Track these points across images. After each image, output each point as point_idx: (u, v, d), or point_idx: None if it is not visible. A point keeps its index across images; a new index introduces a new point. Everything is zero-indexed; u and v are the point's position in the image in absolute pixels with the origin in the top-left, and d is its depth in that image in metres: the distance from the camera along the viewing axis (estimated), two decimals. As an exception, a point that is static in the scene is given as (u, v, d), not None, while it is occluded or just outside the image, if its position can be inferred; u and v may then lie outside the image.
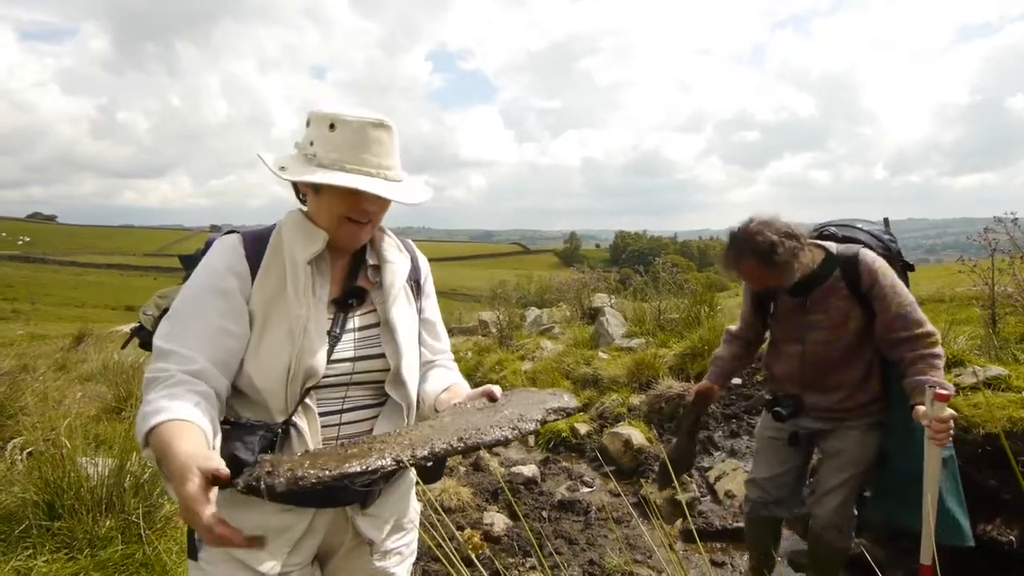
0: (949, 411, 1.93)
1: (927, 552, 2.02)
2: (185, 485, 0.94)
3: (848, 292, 2.22)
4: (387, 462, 1.02)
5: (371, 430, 1.32)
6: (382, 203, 1.32)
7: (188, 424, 1.04)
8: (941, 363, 2.16)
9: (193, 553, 1.28)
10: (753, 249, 2.12)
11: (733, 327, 2.65)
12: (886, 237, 2.44)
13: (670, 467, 2.76)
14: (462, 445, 1.10)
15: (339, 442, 1.16)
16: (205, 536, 0.94)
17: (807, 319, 2.31)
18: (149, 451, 1.07)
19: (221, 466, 0.97)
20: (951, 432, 1.94)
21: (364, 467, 1.00)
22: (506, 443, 1.18)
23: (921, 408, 2.01)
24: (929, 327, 2.19)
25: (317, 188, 1.29)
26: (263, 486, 0.93)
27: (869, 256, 2.22)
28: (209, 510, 0.93)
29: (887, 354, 2.27)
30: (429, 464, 1.08)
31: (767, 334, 2.62)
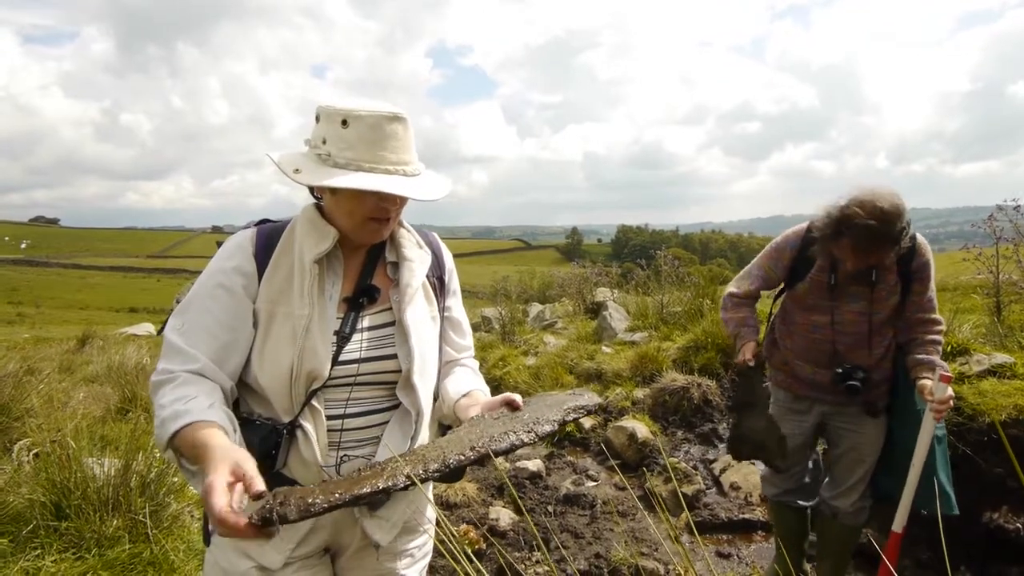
0: (950, 391, 2.07)
1: (901, 520, 2.17)
2: (213, 474, 0.97)
3: (897, 268, 2.24)
4: (399, 480, 1.03)
5: (379, 436, 1.29)
6: (403, 200, 1.28)
7: (212, 425, 1.07)
8: (941, 348, 2.31)
9: (207, 539, 1.30)
10: (894, 239, 2.03)
11: (737, 290, 2.51)
12: None
13: (776, 448, 2.40)
14: (474, 454, 1.09)
15: (355, 471, 1.13)
16: (217, 525, 0.95)
17: (849, 290, 2.27)
18: (170, 453, 1.10)
19: (256, 479, 0.99)
20: (949, 409, 2.12)
21: (374, 487, 1.01)
22: (522, 447, 1.15)
23: (928, 384, 2.14)
24: (939, 315, 2.33)
25: (335, 189, 1.23)
26: (275, 516, 0.95)
27: (922, 238, 2.26)
28: (223, 502, 0.95)
29: (903, 333, 2.33)
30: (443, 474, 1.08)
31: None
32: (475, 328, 10.02)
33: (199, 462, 1.05)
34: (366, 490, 1.00)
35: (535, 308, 10.40)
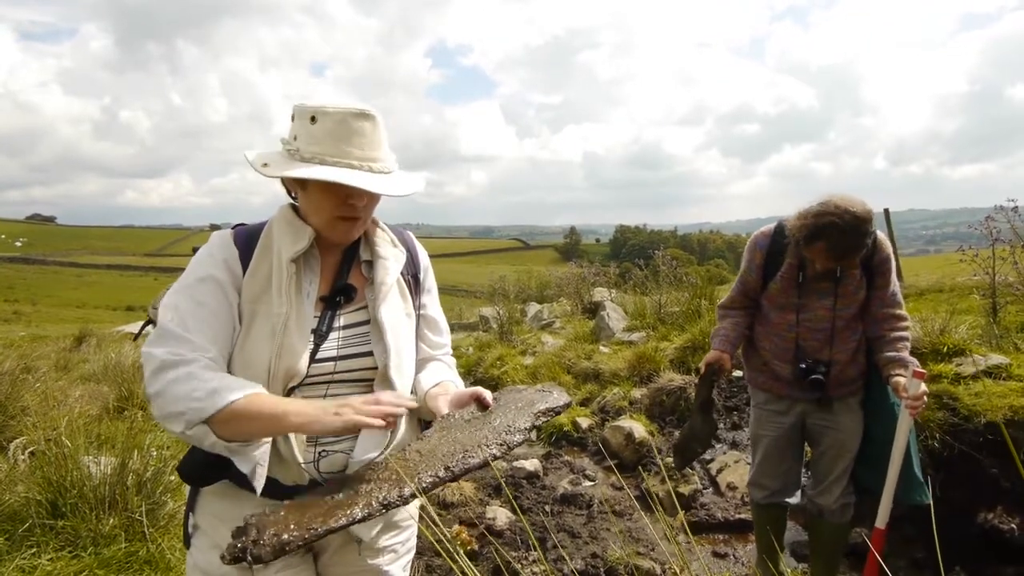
0: (924, 387, 2.12)
1: (883, 517, 2.19)
2: (348, 402, 1.15)
3: (860, 264, 2.30)
4: (374, 508, 1.05)
5: (358, 431, 1.28)
6: (371, 197, 1.27)
7: (270, 395, 1.17)
8: (909, 344, 2.36)
9: (187, 541, 1.31)
10: (862, 245, 2.16)
11: (727, 301, 2.59)
12: None
13: (687, 444, 2.63)
14: (449, 474, 1.13)
15: (324, 486, 1.15)
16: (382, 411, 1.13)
17: (816, 287, 2.34)
18: (203, 428, 1.09)
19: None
20: (924, 406, 2.16)
21: (351, 519, 1.03)
22: (494, 460, 1.17)
23: (902, 380, 2.18)
24: (905, 311, 2.38)
25: (305, 185, 1.25)
26: (249, 557, 0.96)
27: (882, 235, 2.34)
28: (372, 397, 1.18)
29: (868, 328, 2.38)
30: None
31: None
32: (473, 328, 10.02)
33: (266, 427, 1.12)
34: (342, 522, 1.02)
35: (533, 308, 10.41)
